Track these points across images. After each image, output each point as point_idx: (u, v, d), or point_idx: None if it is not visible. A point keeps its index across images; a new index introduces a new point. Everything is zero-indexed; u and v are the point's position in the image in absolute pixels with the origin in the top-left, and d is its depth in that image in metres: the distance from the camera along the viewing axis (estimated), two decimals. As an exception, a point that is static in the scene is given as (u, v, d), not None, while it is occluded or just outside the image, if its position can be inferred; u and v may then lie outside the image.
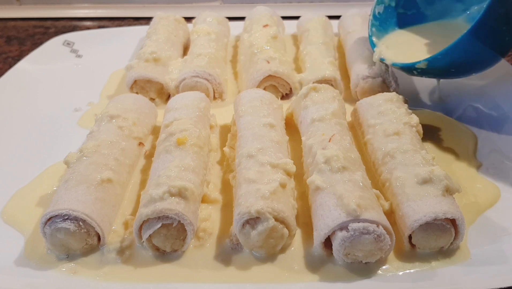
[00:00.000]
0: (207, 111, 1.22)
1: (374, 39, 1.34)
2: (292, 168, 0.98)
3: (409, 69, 1.21)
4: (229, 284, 0.85)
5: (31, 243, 0.94)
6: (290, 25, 1.78)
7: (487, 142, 1.18)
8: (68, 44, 1.74)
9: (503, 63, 1.48)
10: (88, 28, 2.08)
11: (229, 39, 1.75)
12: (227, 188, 1.06)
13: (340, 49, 1.65)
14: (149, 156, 1.15)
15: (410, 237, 0.88)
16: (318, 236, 0.87)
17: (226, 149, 1.13)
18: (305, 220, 0.95)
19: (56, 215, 0.88)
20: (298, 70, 1.51)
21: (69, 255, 0.90)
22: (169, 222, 0.87)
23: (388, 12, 1.40)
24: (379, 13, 1.38)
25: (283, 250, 0.90)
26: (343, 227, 0.83)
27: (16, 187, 1.09)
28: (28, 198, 1.05)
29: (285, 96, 1.42)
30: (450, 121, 1.28)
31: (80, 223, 0.88)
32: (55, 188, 1.07)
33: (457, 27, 1.32)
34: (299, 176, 1.03)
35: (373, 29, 1.36)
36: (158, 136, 1.12)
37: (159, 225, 0.87)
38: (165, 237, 0.88)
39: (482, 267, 0.86)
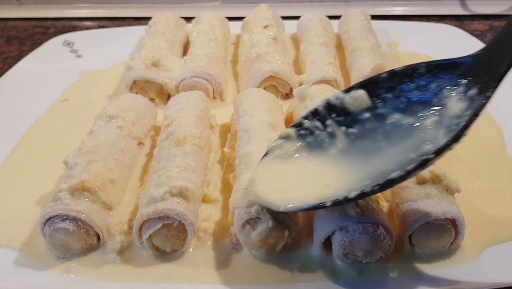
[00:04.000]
0: (208, 111, 1.21)
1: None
2: (292, 168, 0.98)
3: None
4: (229, 285, 0.85)
5: (31, 243, 0.94)
6: (290, 25, 1.78)
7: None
8: (68, 44, 1.74)
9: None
10: (88, 28, 2.07)
11: (229, 39, 1.74)
12: (227, 188, 1.05)
13: (340, 49, 1.65)
14: (149, 155, 1.15)
15: (410, 237, 0.88)
16: (318, 236, 0.86)
17: (226, 149, 1.13)
18: (305, 220, 0.95)
19: (55, 215, 0.88)
20: (299, 70, 1.51)
21: (69, 255, 0.90)
22: (170, 222, 0.87)
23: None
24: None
25: (283, 250, 0.90)
26: (342, 227, 0.83)
27: (16, 187, 1.09)
28: (28, 198, 1.05)
29: (285, 96, 1.41)
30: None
31: (79, 223, 0.88)
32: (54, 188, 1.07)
33: None
34: (299, 176, 1.03)
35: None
36: (158, 136, 1.12)
37: (159, 225, 0.87)
38: (166, 237, 0.88)
39: (482, 267, 0.85)
